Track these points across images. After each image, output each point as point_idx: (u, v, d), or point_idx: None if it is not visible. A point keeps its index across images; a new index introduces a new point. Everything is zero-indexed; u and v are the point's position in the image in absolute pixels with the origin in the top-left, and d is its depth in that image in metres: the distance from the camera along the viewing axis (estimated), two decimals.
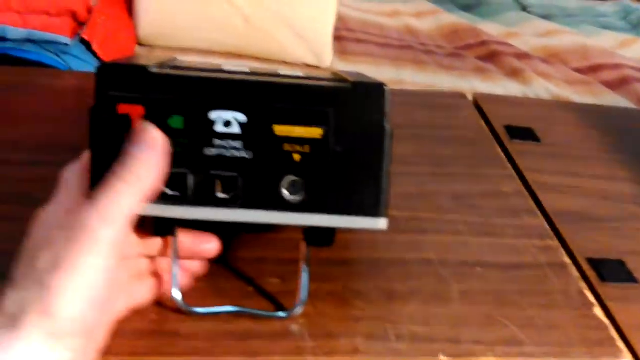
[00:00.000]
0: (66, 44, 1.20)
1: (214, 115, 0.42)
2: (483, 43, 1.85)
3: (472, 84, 1.63)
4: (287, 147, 0.43)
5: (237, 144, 0.43)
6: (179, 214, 0.43)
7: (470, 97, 0.84)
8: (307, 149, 0.43)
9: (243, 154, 0.43)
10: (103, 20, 1.26)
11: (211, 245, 0.47)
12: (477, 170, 0.68)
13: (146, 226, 0.45)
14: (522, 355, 0.47)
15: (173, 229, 0.45)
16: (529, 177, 0.68)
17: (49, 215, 0.41)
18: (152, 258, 0.47)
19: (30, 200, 0.53)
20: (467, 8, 2.18)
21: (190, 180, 0.43)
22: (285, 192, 0.43)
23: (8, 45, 1.15)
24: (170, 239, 0.46)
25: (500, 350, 0.47)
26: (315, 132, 0.43)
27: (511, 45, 1.85)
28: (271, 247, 0.53)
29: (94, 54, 1.22)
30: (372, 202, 0.44)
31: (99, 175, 0.41)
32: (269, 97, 0.43)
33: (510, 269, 0.54)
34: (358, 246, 0.55)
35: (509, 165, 0.70)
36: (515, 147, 0.73)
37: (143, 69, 0.42)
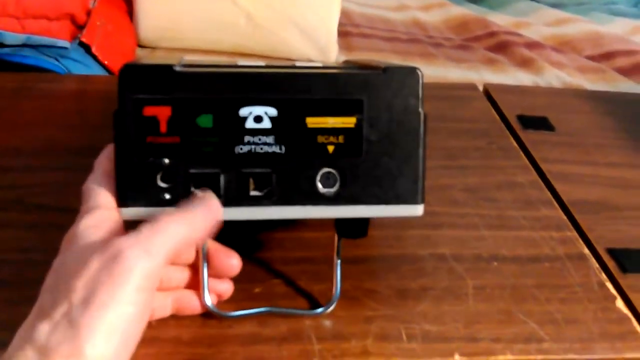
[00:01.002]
0: (65, 48, 1.18)
1: (244, 111, 0.42)
2: (492, 34, 1.83)
3: (483, 76, 1.61)
4: (320, 138, 0.43)
5: (269, 139, 0.42)
6: None
7: (481, 88, 0.84)
8: (340, 139, 0.43)
9: (275, 149, 0.42)
10: (102, 23, 1.25)
11: (233, 261, 0.45)
12: (490, 162, 0.67)
13: None
14: (542, 352, 0.45)
15: None
16: (544, 167, 0.67)
17: (83, 234, 0.39)
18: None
19: (25, 206, 0.54)
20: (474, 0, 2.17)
21: (223, 180, 0.42)
22: (319, 185, 0.43)
23: (5, 50, 1.14)
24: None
25: (518, 347, 0.45)
26: (349, 122, 0.43)
27: (521, 35, 1.83)
28: (276, 247, 0.52)
29: (94, 57, 1.21)
30: (409, 189, 0.43)
31: (126, 182, 0.41)
32: (301, 88, 0.42)
33: (528, 263, 0.53)
34: (369, 243, 0.53)
35: (523, 156, 0.69)
36: (529, 136, 0.72)
37: (168, 68, 0.41)
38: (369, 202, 0.43)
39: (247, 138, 0.42)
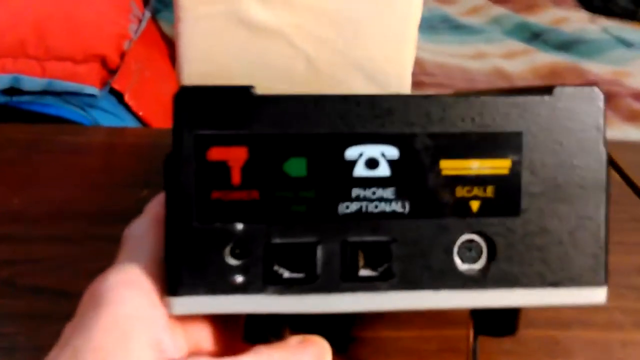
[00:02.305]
0: (93, 95, 1.14)
1: (352, 152, 0.33)
2: (590, 84, 1.76)
3: None
4: (460, 191, 0.34)
5: (387, 192, 0.34)
6: (304, 306, 0.33)
7: None
8: (489, 191, 0.34)
9: (396, 208, 0.34)
10: (138, 67, 1.21)
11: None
12: (624, 237, 0.58)
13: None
14: None
15: (281, 330, 0.35)
16: None
17: (114, 296, 0.32)
18: None
19: (17, 289, 0.48)
20: (562, 47, 2.11)
21: (321, 253, 0.33)
22: (458, 260, 0.34)
23: (24, 98, 1.11)
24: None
25: None
26: (501, 166, 0.34)
27: (624, 85, 1.75)
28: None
29: (127, 106, 1.17)
30: (587, 265, 0.34)
31: (181, 259, 0.33)
32: (432, 119, 0.33)
33: None
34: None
35: None
36: None
37: (244, 91, 0.33)
38: (528, 284, 0.34)
39: (355, 192, 0.33)
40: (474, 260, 0.34)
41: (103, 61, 1.16)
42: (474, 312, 0.37)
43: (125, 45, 1.20)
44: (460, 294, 0.34)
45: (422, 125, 0.33)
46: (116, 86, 1.17)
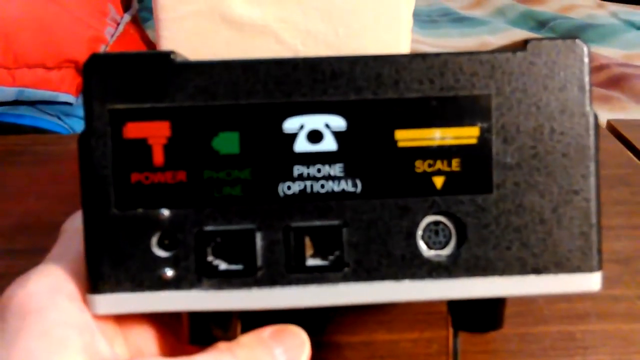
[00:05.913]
0: (69, 103, 1.12)
1: (291, 123, 0.31)
2: (601, 67, 1.74)
3: (598, 115, 1.52)
4: (420, 165, 0.32)
5: (334, 169, 0.32)
6: (245, 302, 0.32)
7: (603, 126, 0.77)
8: (455, 165, 0.32)
9: (346, 187, 0.32)
10: None
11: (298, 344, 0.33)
12: None
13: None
14: None
15: (230, 328, 0.33)
16: None
17: (33, 306, 0.30)
18: None
19: None
20: (571, 33, 2.10)
21: (260, 241, 0.31)
22: (422, 245, 0.32)
23: None
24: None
25: None
26: (468, 134, 0.32)
27: (638, 66, 1.74)
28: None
29: None
30: (575, 247, 0.32)
31: (101, 252, 0.31)
32: (384, 82, 0.31)
33: None
34: (476, 346, 0.41)
35: None
36: None
37: (164, 57, 0.31)
38: (506, 272, 0.32)
39: (297, 169, 0.31)
40: (442, 245, 0.32)
41: (77, 67, 1.15)
42: (452, 305, 0.34)
43: (101, 49, 1.18)
44: (426, 284, 0.31)
45: (372, 90, 0.31)
46: None
